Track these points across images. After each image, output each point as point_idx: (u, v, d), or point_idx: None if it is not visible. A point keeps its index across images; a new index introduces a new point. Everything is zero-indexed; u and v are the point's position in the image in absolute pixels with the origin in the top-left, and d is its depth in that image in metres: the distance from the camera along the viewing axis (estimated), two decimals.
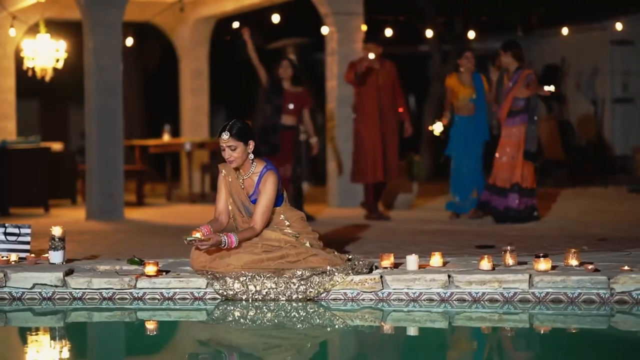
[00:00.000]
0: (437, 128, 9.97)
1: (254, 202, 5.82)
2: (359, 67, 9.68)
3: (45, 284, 5.61)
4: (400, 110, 10.04)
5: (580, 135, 16.57)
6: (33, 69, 11.85)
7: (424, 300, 5.50)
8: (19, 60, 12.58)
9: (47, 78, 11.95)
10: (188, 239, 5.57)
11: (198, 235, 5.60)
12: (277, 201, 5.85)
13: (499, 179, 9.29)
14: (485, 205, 9.47)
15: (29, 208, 11.16)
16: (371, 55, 9.76)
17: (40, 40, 11.82)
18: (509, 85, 9.22)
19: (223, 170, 5.92)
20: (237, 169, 5.83)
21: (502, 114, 9.29)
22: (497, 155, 9.34)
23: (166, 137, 13.65)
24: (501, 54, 9.34)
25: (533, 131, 9.19)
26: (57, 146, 13.19)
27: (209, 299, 5.57)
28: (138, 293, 5.59)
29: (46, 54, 11.82)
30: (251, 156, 5.80)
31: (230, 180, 5.87)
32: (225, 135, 5.72)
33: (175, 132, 15.34)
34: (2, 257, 6.03)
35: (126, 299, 5.58)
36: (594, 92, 16.90)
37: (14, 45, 13.21)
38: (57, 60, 11.88)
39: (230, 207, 5.90)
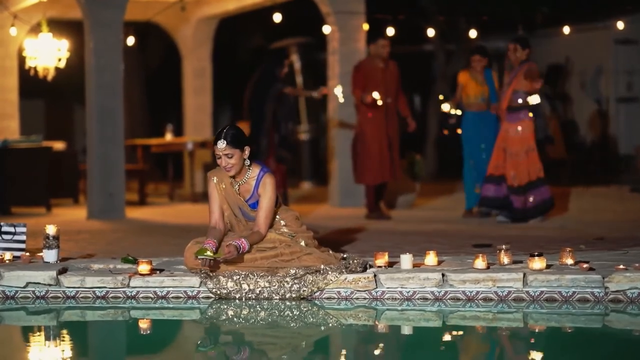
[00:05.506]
0: (446, 107, 10.01)
1: (252, 206, 5.77)
2: (367, 97, 9.69)
3: (39, 283, 5.60)
4: (401, 106, 10.04)
5: (584, 134, 16.53)
6: (35, 68, 11.86)
7: (417, 299, 5.48)
8: (22, 60, 12.59)
9: (49, 77, 11.94)
10: (199, 257, 5.46)
11: (209, 253, 5.46)
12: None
13: (518, 177, 9.16)
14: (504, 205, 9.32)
15: (30, 207, 11.16)
16: (376, 95, 9.75)
17: (42, 39, 11.81)
18: (510, 77, 9.17)
19: (214, 178, 5.78)
20: (232, 175, 5.75)
21: (502, 107, 9.23)
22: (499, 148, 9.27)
23: (169, 137, 13.64)
24: (517, 49, 9.20)
25: (540, 124, 9.16)
26: (59, 145, 13.20)
27: (202, 297, 5.56)
28: (131, 292, 5.58)
29: (48, 53, 11.81)
30: (247, 162, 5.73)
31: (223, 186, 5.78)
32: (221, 144, 5.59)
33: (178, 132, 15.34)
34: None
35: (119, 297, 5.58)
36: (598, 92, 16.86)
37: (17, 44, 13.21)
38: (59, 60, 11.87)
39: (226, 214, 5.80)
